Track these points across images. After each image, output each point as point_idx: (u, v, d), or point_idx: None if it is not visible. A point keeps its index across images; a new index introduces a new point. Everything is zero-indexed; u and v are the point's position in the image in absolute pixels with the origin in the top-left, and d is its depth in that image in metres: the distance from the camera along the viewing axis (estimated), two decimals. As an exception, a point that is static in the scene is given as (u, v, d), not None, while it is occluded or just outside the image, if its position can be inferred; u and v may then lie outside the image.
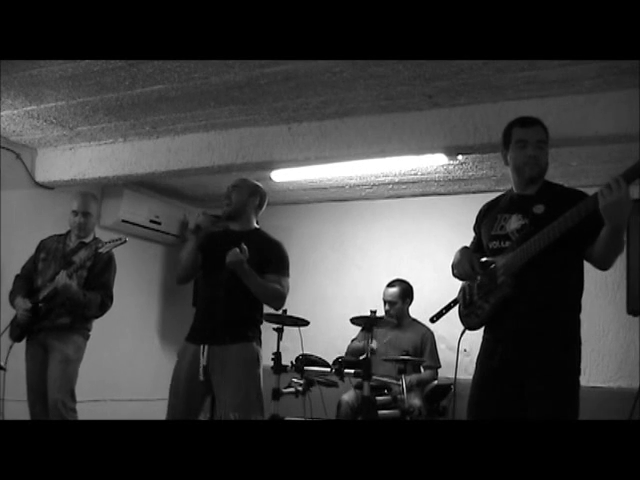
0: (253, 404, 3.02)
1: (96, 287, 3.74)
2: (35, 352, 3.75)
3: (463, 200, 5.09)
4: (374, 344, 4.44)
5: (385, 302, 4.80)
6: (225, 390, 3.01)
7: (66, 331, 3.71)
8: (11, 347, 3.77)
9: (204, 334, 3.06)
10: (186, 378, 3.06)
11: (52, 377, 3.66)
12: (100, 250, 3.61)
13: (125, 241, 3.66)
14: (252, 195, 3.25)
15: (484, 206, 2.71)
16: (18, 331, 3.76)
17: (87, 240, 3.89)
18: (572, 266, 2.43)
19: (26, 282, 3.85)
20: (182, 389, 3.07)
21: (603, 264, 2.37)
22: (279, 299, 3.15)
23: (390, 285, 4.85)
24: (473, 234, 2.73)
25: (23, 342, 3.80)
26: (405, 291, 4.83)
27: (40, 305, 3.68)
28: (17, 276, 3.94)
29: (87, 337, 3.84)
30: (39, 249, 3.94)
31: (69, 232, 3.95)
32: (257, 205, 3.28)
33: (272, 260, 3.14)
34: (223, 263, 3.02)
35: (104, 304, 3.78)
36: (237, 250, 2.96)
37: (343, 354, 4.33)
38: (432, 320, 2.80)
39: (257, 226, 3.30)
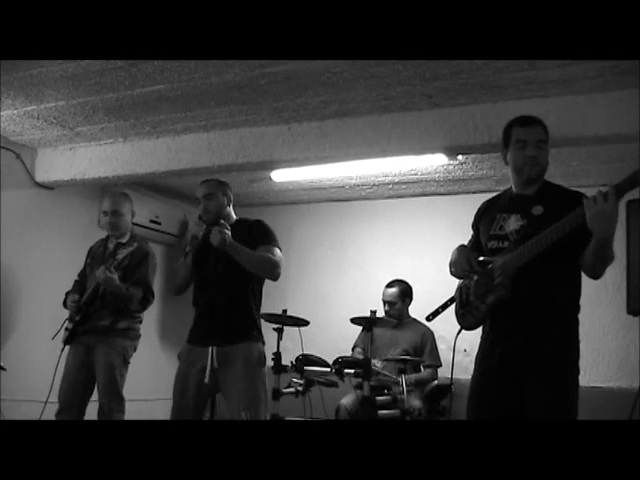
0: (262, 403, 3.04)
1: (134, 284, 3.77)
2: (77, 352, 3.80)
3: (463, 200, 5.09)
4: (379, 364, 4.44)
5: (385, 302, 4.80)
6: (235, 390, 3.02)
7: (107, 334, 3.75)
8: (62, 350, 3.82)
9: (209, 336, 3.07)
10: (193, 380, 3.07)
11: (98, 383, 3.75)
12: (117, 257, 3.71)
13: (137, 247, 3.78)
14: (225, 195, 3.28)
15: (483, 204, 2.70)
16: (66, 334, 3.82)
17: (124, 240, 3.93)
18: (570, 268, 2.42)
19: (80, 286, 3.93)
20: (190, 391, 3.08)
21: (592, 273, 2.38)
22: (274, 267, 3.13)
23: (389, 285, 4.84)
24: (472, 233, 2.73)
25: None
26: (404, 291, 4.83)
27: (81, 306, 3.74)
28: (75, 281, 4.02)
29: (134, 337, 3.87)
30: (87, 254, 4.03)
31: (109, 235, 4.00)
32: (230, 199, 3.31)
33: (258, 235, 3.17)
34: (214, 264, 3.04)
35: (146, 299, 3.82)
36: (217, 228, 2.99)
37: (343, 354, 4.32)
38: (428, 318, 2.81)
39: (236, 217, 3.33)
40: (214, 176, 3.61)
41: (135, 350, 3.87)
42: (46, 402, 3.74)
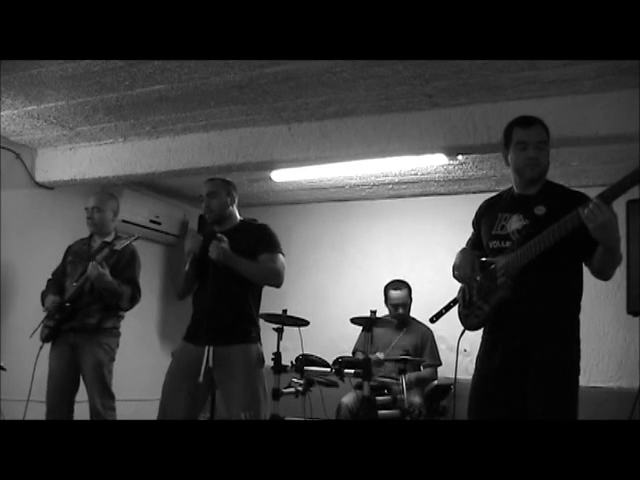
0: (262, 403, 3.04)
1: (124, 282, 3.76)
2: (62, 351, 3.77)
3: (463, 200, 5.09)
4: (381, 355, 4.44)
5: (395, 306, 4.76)
6: (233, 390, 3.02)
7: (94, 333, 3.74)
8: (41, 348, 3.79)
9: (207, 335, 3.06)
10: (188, 379, 3.06)
11: (87, 382, 3.72)
12: (115, 248, 3.67)
13: (138, 237, 3.73)
14: (229, 195, 3.27)
15: (484, 202, 2.70)
16: (46, 331, 3.79)
17: (109, 239, 3.92)
18: (572, 268, 2.43)
19: (56, 284, 3.90)
20: (182, 390, 3.07)
21: (604, 276, 2.39)
22: (275, 276, 3.14)
23: (397, 288, 4.80)
24: (473, 231, 2.73)
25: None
26: (410, 292, 4.84)
27: (67, 305, 3.71)
28: (49, 280, 3.99)
29: (117, 335, 3.87)
30: (67, 253, 4.00)
31: (92, 234, 3.99)
32: (234, 199, 3.31)
33: (260, 240, 3.17)
34: (215, 267, 3.05)
35: (134, 297, 3.82)
36: (215, 242, 3.00)
37: (343, 354, 4.32)
38: (432, 320, 2.80)
39: (240, 218, 3.33)
40: (219, 175, 3.60)
41: (118, 346, 3.85)
42: (27, 401, 3.72)
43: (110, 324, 3.80)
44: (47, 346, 3.81)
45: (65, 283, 3.85)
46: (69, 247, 4.03)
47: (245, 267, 3.08)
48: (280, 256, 3.17)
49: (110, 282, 3.66)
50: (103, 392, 3.70)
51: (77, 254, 3.92)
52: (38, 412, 3.73)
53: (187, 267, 3.15)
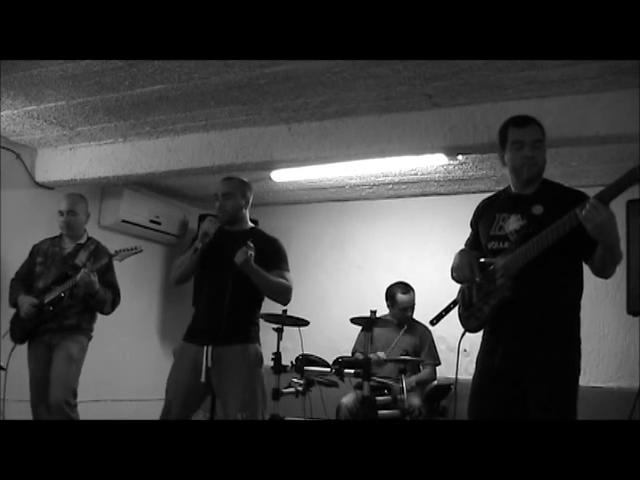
0: (260, 403, 3.04)
1: (105, 286, 3.77)
2: (40, 353, 3.75)
3: (463, 200, 5.08)
4: (382, 354, 4.44)
5: (405, 309, 4.75)
6: (231, 390, 3.02)
7: (72, 332, 3.73)
8: (13, 349, 3.77)
9: (206, 335, 3.06)
10: (187, 378, 3.06)
11: (55, 375, 3.66)
12: (115, 259, 3.68)
13: (141, 250, 3.72)
14: (244, 197, 3.24)
15: (481, 203, 2.69)
16: (21, 333, 3.77)
17: (82, 241, 3.91)
18: (571, 267, 2.43)
19: (24, 284, 3.87)
20: (183, 389, 3.07)
21: (604, 274, 2.38)
22: (287, 293, 3.15)
23: (406, 292, 4.78)
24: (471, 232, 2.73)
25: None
26: (415, 294, 4.83)
27: (46, 308, 3.69)
28: (13, 279, 3.95)
29: (90, 338, 3.87)
30: (34, 253, 3.96)
31: (62, 235, 3.96)
32: (248, 201, 3.28)
33: (272, 257, 3.15)
34: (222, 264, 3.03)
35: (114, 302, 3.84)
36: (245, 249, 2.96)
37: (343, 354, 4.32)
38: (432, 323, 2.79)
39: (252, 225, 3.32)
40: (235, 174, 3.56)
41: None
42: (3, 400, 3.71)
43: (88, 325, 3.82)
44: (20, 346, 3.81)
45: (37, 284, 3.81)
46: (36, 247, 3.97)
47: (262, 280, 3.06)
48: (289, 274, 3.18)
49: (98, 290, 3.67)
50: (68, 389, 3.64)
51: (48, 255, 3.88)
52: (16, 412, 3.73)
53: (198, 248, 3.11)
